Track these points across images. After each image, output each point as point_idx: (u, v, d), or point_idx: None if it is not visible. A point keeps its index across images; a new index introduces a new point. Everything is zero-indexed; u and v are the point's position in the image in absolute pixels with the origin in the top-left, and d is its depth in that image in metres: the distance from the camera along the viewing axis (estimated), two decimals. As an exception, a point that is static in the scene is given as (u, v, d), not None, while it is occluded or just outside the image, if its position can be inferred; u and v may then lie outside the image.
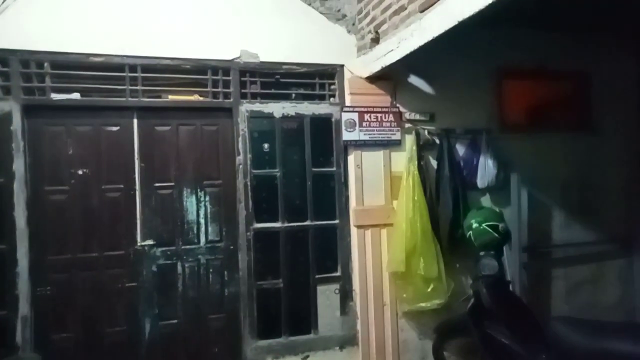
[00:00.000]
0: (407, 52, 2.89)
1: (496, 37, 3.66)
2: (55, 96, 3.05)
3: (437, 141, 3.71)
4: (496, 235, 3.07)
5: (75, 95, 3.09)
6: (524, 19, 3.49)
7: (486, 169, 3.72)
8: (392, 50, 3.06)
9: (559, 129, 4.01)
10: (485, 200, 3.83)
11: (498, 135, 3.80)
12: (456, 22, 2.35)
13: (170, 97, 3.31)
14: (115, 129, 3.23)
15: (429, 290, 3.47)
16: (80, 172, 3.15)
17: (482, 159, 3.73)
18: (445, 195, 3.59)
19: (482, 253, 3.10)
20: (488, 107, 3.84)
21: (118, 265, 3.21)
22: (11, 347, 2.90)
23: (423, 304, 3.47)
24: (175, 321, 3.32)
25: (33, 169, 3.04)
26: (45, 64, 3.03)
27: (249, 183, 3.41)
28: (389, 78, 3.58)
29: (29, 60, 2.99)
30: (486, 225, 3.09)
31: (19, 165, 2.96)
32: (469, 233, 3.18)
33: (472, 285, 3.28)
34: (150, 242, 3.26)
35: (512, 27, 3.60)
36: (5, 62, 2.95)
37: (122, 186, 3.23)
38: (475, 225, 3.13)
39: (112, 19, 3.12)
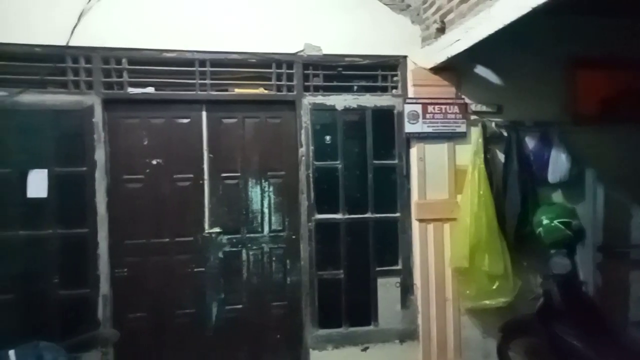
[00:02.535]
0: (475, 41, 2.81)
1: (566, 25, 3.46)
2: (132, 90, 3.24)
3: (505, 134, 3.57)
4: (569, 232, 2.94)
5: (150, 89, 3.27)
6: (595, 6, 3.26)
7: (558, 164, 3.54)
8: (458, 40, 2.99)
9: (637, 120, 3.71)
10: (557, 196, 3.65)
11: (571, 127, 3.58)
12: (529, 9, 2.25)
13: (237, 90, 3.41)
14: (185, 121, 3.38)
15: (494, 287, 3.36)
16: (154, 162, 3.33)
17: (553, 153, 3.55)
18: (513, 190, 3.46)
19: (552, 251, 2.98)
20: (560, 98, 3.65)
21: (187, 251, 3.37)
22: (93, 322, 3.14)
23: (487, 302, 3.37)
24: (240, 306, 3.44)
25: (112, 158, 3.25)
26: (123, 60, 3.22)
27: (310, 174, 3.46)
28: (453, 69, 3.49)
29: (109, 57, 3.20)
30: (558, 222, 2.97)
31: (100, 155, 3.18)
32: (539, 230, 3.05)
33: (541, 284, 3.15)
34: (217, 229, 3.39)
35: (582, 14, 3.39)
36: (89, 59, 3.17)
37: (191, 176, 3.38)
38: (546, 221, 3.00)
39: (183, 16, 3.26)
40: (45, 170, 3.12)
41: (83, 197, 3.17)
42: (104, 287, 3.19)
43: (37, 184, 3.10)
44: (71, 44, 3.10)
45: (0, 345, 2.67)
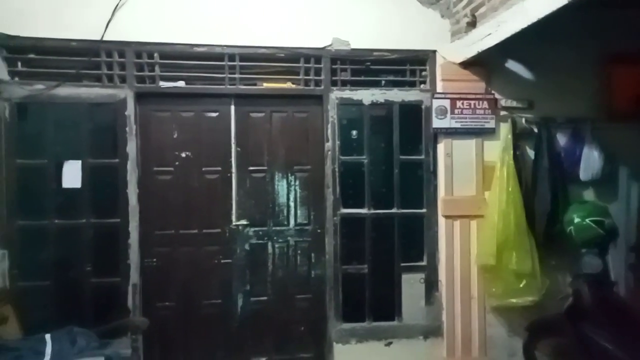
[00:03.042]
0: (506, 35, 2.77)
1: (600, 18, 3.36)
2: (164, 84, 3.30)
3: (536, 130, 3.51)
4: (601, 231, 2.87)
5: (181, 83, 3.33)
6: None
7: (590, 161, 3.46)
8: (489, 34, 2.94)
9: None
10: (588, 194, 3.58)
11: (604, 124, 3.49)
12: (564, 3, 2.20)
13: (265, 84, 3.44)
14: (214, 115, 3.43)
15: (521, 286, 3.32)
16: (183, 154, 3.39)
17: (586, 150, 3.47)
18: (543, 187, 3.40)
19: (583, 250, 2.92)
20: (593, 94, 3.56)
21: (214, 243, 3.43)
22: (124, 310, 3.22)
23: (514, 300, 3.33)
24: (265, 298, 3.49)
25: (143, 151, 3.33)
26: (155, 54, 3.29)
27: (336, 169, 3.47)
28: (483, 63, 3.44)
29: (142, 51, 3.26)
30: (590, 221, 2.90)
31: (131, 148, 3.26)
32: (569, 228, 3.00)
33: (571, 283, 3.10)
34: (244, 222, 3.44)
35: (617, 7, 3.28)
36: (122, 53, 3.24)
37: (219, 169, 3.43)
38: (577, 220, 2.94)
39: (213, 11, 3.30)
40: (79, 162, 3.21)
41: (115, 188, 3.25)
42: (134, 276, 3.27)
43: (72, 174, 3.20)
44: (105, 38, 3.17)
45: (36, 330, 2.78)
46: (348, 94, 3.48)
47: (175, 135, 3.38)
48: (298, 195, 3.53)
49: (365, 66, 3.52)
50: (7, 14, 3.07)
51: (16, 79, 3.15)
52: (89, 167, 3.23)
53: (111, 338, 3.02)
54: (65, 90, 3.17)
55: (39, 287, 3.17)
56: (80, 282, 3.22)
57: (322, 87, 3.45)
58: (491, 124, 3.50)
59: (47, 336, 2.66)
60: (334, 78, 3.48)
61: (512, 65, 3.55)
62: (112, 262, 3.25)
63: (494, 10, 2.89)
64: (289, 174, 3.52)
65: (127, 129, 3.24)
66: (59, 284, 3.21)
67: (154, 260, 3.37)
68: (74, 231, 3.23)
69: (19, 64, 3.17)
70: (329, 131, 3.46)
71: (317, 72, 3.46)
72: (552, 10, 2.34)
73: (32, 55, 3.18)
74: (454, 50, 3.45)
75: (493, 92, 3.51)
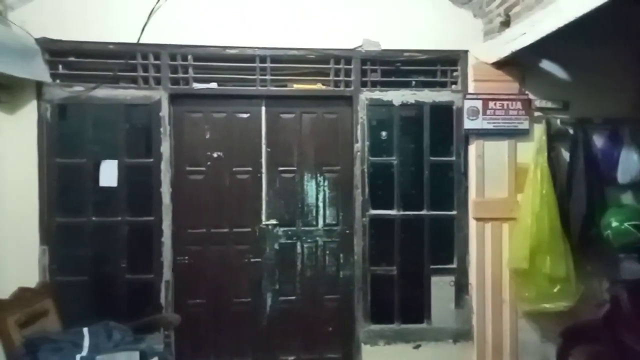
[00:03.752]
0: (542, 35, 2.71)
1: (638, 16, 3.24)
2: (197, 86, 3.37)
3: (571, 131, 3.42)
4: (640, 236, 2.77)
5: (213, 85, 3.39)
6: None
7: (629, 163, 3.36)
8: (524, 33, 2.88)
9: None
10: (626, 198, 3.46)
11: (643, 125, 3.38)
12: (601, 2, 2.14)
13: (295, 86, 3.47)
14: (245, 116, 3.48)
15: (554, 291, 3.24)
16: (215, 155, 3.45)
17: (624, 152, 3.37)
18: (579, 190, 3.31)
19: (621, 255, 2.83)
20: (632, 94, 3.44)
21: (245, 242, 3.47)
22: (157, 306, 3.31)
23: (547, 305, 3.26)
24: (294, 298, 3.51)
25: (176, 151, 3.40)
26: (189, 57, 3.36)
27: (365, 170, 3.47)
28: (517, 63, 3.37)
29: (176, 54, 3.34)
30: (629, 225, 2.82)
31: (165, 148, 3.34)
32: (607, 232, 2.91)
33: (608, 289, 3.01)
34: (273, 221, 3.48)
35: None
36: (157, 55, 3.33)
37: (250, 169, 3.48)
38: (615, 224, 2.86)
39: (245, 13, 3.34)
40: (116, 161, 3.31)
41: (149, 187, 3.33)
42: (167, 273, 3.35)
43: (108, 173, 3.30)
44: (141, 41, 3.25)
45: (74, 323, 2.88)
46: (378, 94, 3.47)
47: (207, 136, 3.44)
48: (327, 195, 3.55)
49: (396, 67, 3.51)
50: (49, 19, 3.19)
51: (57, 81, 3.26)
52: (124, 166, 3.32)
53: (145, 333, 3.09)
54: (103, 92, 3.28)
55: (76, 282, 3.28)
56: (116, 278, 3.32)
57: (352, 87, 3.46)
58: (525, 125, 3.43)
59: (85, 330, 2.75)
60: (364, 79, 3.48)
61: (547, 65, 3.47)
62: (146, 259, 3.33)
63: (529, 10, 2.83)
64: (318, 175, 3.54)
65: (161, 129, 3.32)
66: (96, 280, 3.31)
67: (186, 258, 3.44)
68: (110, 228, 3.33)
69: (60, 66, 3.29)
70: (359, 132, 3.46)
71: (347, 73, 3.47)
72: (588, 10, 2.27)
73: (72, 58, 3.30)
74: (486, 50, 3.40)
75: (527, 92, 3.44)
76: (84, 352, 2.58)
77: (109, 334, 2.80)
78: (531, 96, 3.45)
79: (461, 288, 3.51)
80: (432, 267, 3.53)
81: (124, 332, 2.88)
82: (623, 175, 3.36)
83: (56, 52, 3.26)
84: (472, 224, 3.48)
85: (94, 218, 3.31)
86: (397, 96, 3.48)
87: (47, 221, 3.23)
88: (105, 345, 2.70)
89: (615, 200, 3.41)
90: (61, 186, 3.27)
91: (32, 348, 2.44)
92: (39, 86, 3.22)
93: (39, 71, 3.12)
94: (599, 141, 3.45)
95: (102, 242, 3.33)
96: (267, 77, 3.41)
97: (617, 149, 3.39)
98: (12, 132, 3.17)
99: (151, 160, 3.33)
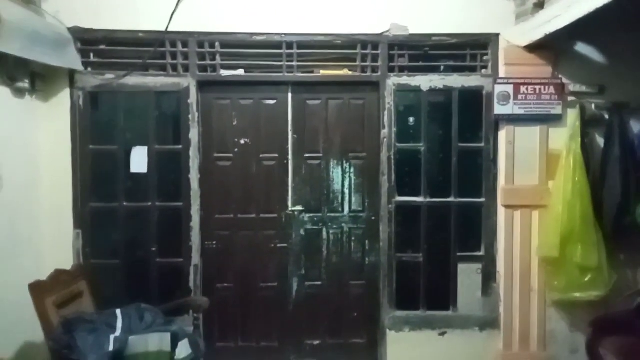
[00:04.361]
0: (579, 16, 2.60)
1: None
2: (224, 72, 3.39)
3: (606, 117, 3.32)
4: (679, 225, 2.67)
5: (240, 72, 3.40)
6: None
7: (667, 150, 3.23)
8: (559, 15, 2.79)
9: None
10: (664, 186, 3.33)
11: (684, 109, 3.25)
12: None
13: (322, 72, 3.45)
14: (272, 102, 3.49)
15: (586, 280, 3.19)
16: (242, 141, 3.48)
17: (663, 138, 3.24)
18: (613, 177, 3.21)
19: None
20: (671, 77, 3.30)
21: (271, 227, 3.51)
22: (186, 289, 3.39)
23: (577, 295, 3.20)
24: (319, 283, 3.54)
25: (204, 137, 3.45)
26: (217, 44, 3.37)
27: (392, 156, 3.44)
28: (550, 47, 3.27)
29: (204, 41, 3.36)
30: (667, 213, 2.70)
31: (194, 134, 3.38)
32: (643, 220, 2.82)
33: (643, 279, 2.92)
34: (299, 207, 3.50)
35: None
36: (185, 43, 3.35)
37: (276, 155, 3.50)
38: (651, 212, 2.76)
39: (272, -1, 3.34)
40: (146, 148, 3.37)
41: (179, 173, 3.39)
42: (195, 257, 3.42)
43: (139, 160, 3.36)
44: (170, 29, 3.28)
45: (107, 305, 2.98)
46: (406, 80, 3.42)
47: (234, 123, 3.47)
48: (353, 182, 3.54)
49: (424, 51, 3.44)
50: (81, 8, 3.24)
51: (89, 69, 3.33)
52: (154, 153, 3.38)
53: (174, 315, 3.17)
54: (133, 80, 3.33)
55: (109, 265, 3.39)
56: (146, 262, 3.41)
57: (379, 73, 3.42)
58: (557, 110, 3.34)
59: (118, 311, 2.83)
60: (391, 64, 3.43)
61: (582, 48, 3.36)
62: (176, 244, 3.40)
63: (565, -10, 2.73)
64: (344, 161, 3.53)
65: (189, 116, 3.36)
66: (127, 263, 3.41)
67: (214, 242, 3.50)
68: (140, 214, 3.41)
69: (92, 55, 3.35)
70: (386, 118, 3.43)
71: (374, 58, 3.42)
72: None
73: (103, 47, 3.35)
74: (518, 33, 3.30)
75: (560, 76, 3.34)
76: (118, 333, 2.66)
77: (141, 316, 2.87)
78: (565, 80, 3.34)
79: (488, 276, 3.48)
80: (459, 254, 3.49)
81: (156, 314, 2.95)
82: (660, 162, 3.24)
83: (88, 40, 3.32)
84: (501, 212, 3.43)
85: (125, 203, 3.39)
86: (425, 81, 3.42)
87: (80, 206, 3.33)
88: (137, 326, 2.78)
89: (652, 189, 3.29)
90: (94, 172, 3.36)
91: (69, 328, 2.53)
92: (71, 74, 3.29)
93: (72, 60, 3.19)
94: (636, 127, 3.32)
95: (133, 226, 3.42)
96: (294, 63, 3.40)
97: (656, 135, 3.26)
98: (46, 119, 3.26)
99: (180, 146, 3.38)
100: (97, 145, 3.36)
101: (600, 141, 3.35)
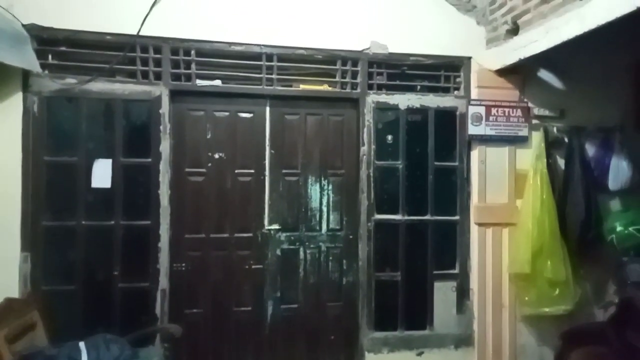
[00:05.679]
0: (557, 42, 2.76)
1: (630, 27, 3.40)
2: (200, 82, 3.20)
3: (566, 139, 3.54)
4: (644, 239, 2.87)
5: (217, 82, 3.23)
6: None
7: (619, 170, 3.50)
8: (536, 40, 2.95)
9: None
10: (615, 204, 3.60)
11: (634, 134, 3.54)
12: (634, 8, 2.21)
13: (302, 86, 3.37)
14: (249, 115, 3.35)
15: (555, 294, 3.31)
16: (216, 155, 3.28)
17: (614, 160, 3.51)
18: (576, 196, 3.41)
19: (625, 259, 2.92)
20: (623, 103, 3.61)
21: (246, 247, 3.32)
22: (152, 317, 3.08)
23: (547, 309, 3.33)
24: (296, 305, 3.39)
25: (176, 151, 3.21)
26: (192, 52, 3.18)
27: (371, 174, 3.41)
28: (518, 72, 3.45)
29: (178, 48, 3.16)
30: (633, 229, 2.91)
31: (165, 147, 3.13)
32: (611, 236, 3.01)
33: (616, 291, 3.09)
34: (276, 226, 3.35)
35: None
36: (158, 49, 3.13)
37: (253, 171, 3.34)
38: (619, 228, 2.96)
39: (251, 9, 3.22)
40: (110, 160, 3.07)
41: (147, 189, 3.12)
42: (163, 281, 3.13)
43: (102, 173, 3.05)
44: (141, 33, 3.05)
45: (63, 337, 2.63)
46: (385, 98, 3.44)
47: (209, 136, 3.28)
48: (331, 199, 3.46)
49: (402, 70, 3.50)
50: (39, 4, 2.94)
51: (46, 72, 2.99)
52: (120, 166, 3.09)
53: (140, 346, 2.87)
54: (98, 86, 3.04)
55: (63, 292, 3.00)
56: (107, 287, 3.07)
57: (359, 90, 3.41)
58: (524, 132, 3.51)
59: (82, 344, 2.51)
60: (370, 82, 3.44)
61: (544, 74, 3.58)
62: (141, 266, 3.10)
63: (543, 18, 2.90)
64: (322, 178, 3.45)
65: (161, 127, 3.12)
66: (85, 289, 3.04)
67: (183, 265, 3.24)
68: (102, 233, 3.07)
69: (50, 56, 3.02)
70: (365, 135, 3.40)
71: (354, 75, 3.41)
72: (613, 18, 2.35)
73: (64, 48, 3.03)
74: (490, 57, 3.46)
75: (526, 100, 3.53)
76: (84, 368, 2.34)
77: (107, 348, 2.57)
78: (530, 104, 3.53)
79: (463, 293, 3.52)
80: (435, 272, 3.51)
81: (122, 345, 2.67)
82: (614, 182, 3.49)
83: (46, 40, 2.99)
84: (474, 229, 3.50)
85: (84, 222, 3.04)
86: (403, 100, 3.46)
87: (31, 225, 2.94)
88: (106, 359, 2.47)
89: (605, 207, 3.53)
90: (48, 187, 2.99)
91: (28, 366, 2.19)
92: (25, 77, 2.94)
93: (28, 60, 2.85)
94: (591, 149, 3.57)
95: (93, 247, 3.07)
96: (273, 76, 3.30)
97: (608, 157, 3.52)
98: (-7, 126, 2.87)
99: (149, 160, 3.12)
100: (53, 156, 3.01)
101: (561, 162, 3.56)
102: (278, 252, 3.37)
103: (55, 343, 2.62)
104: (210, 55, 3.22)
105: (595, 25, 2.46)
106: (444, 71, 3.57)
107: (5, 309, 2.43)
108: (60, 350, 2.45)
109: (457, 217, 3.53)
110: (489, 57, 3.47)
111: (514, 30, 3.20)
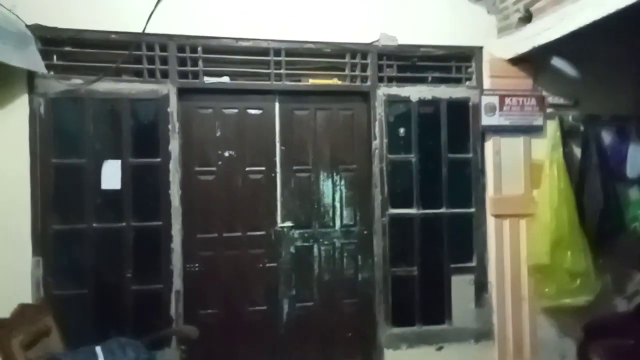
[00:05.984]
0: (573, 29, 2.71)
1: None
2: (208, 80, 3.14)
3: (582, 128, 3.47)
4: (669, 227, 2.81)
5: (225, 79, 3.17)
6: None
7: (636, 159, 3.44)
8: (549, 28, 2.88)
9: None
10: (635, 193, 3.53)
11: (650, 121, 3.48)
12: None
13: (311, 81, 3.31)
14: (258, 112, 3.29)
15: (575, 285, 3.25)
16: (226, 154, 3.23)
17: (631, 148, 3.47)
18: (594, 185, 3.36)
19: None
20: (637, 91, 3.53)
21: (259, 246, 3.26)
22: (166, 319, 3.03)
23: (568, 300, 3.26)
24: (311, 304, 3.33)
25: (185, 149, 3.15)
26: (199, 48, 3.12)
27: (384, 168, 3.35)
28: (530, 60, 3.38)
29: (185, 45, 3.10)
30: (657, 217, 2.83)
31: (174, 146, 3.08)
32: (634, 225, 2.94)
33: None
34: (289, 223, 3.29)
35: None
36: (164, 47, 3.07)
37: (264, 168, 3.28)
38: (643, 216, 2.88)
39: (259, 4, 3.16)
40: (119, 161, 3.02)
41: (157, 189, 3.06)
42: (177, 282, 3.08)
43: (111, 175, 3.00)
44: (147, 31, 3.00)
45: (77, 341, 2.58)
46: (395, 90, 3.38)
47: (218, 134, 3.22)
48: (344, 195, 3.40)
49: (412, 62, 3.43)
50: (42, 3, 2.88)
51: (51, 72, 2.94)
52: (129, 166, 3.03)
53: (155, 349, 2.83)
54: (104, 85, 2.98)
55: (75, 296, 2.95)
56: (120, 290, 3.01)
57: (369, 83, 3.34)
58: (539, 121, 3.45)
59: (98, 348, 2.46)
60: (380, 74, 3.37)
61: (558, 62, 3.50)
62: (154, 268, 3.05)
63: (557, 4, 2.83)
64: (334, 173, 3.39)
65: (169, 126, 3.06)
66: (97, 293, 2.99)
67: (196, 265, 3.18)
68: (113, 235, 3.02)
69: (55, 56, 2.97)
70: (376, 129, 3.34)
71: (364, 67, 3.35)
72: (632, 1, 2.28)
73: (68, 48, 2.98)
74: (502, 46, 3.39)
75: (540, 89, 3.46)
76: (102, 373, 2.29)
77: (123, 352, 2.52)
78: (544, 93, 3.46)
79: (481, 287, 3.46)
80: (452, 266, 3.45)
81: (138, 348, 2.61)
82: (631, 170, 3.45)
83: (51, 40, 2.93)
84: (491, 221, 3.44)
85: (95, 224, 2.99)
86: (414, 92, 3.40)
87: (41, 229, 2.89)
88: (122, 364, 2.42)
89: (625, 196, 3.47)
90: (57, 190, 2.93)
91: (45, 372, 2.14)
92: (30, 78, 2.88)
93: (34, 61, 2.79)
94: (607, 138, 3.52)
95: (105, 250, 3.01)
96: (282, 71, 3.23)
97: (625, 145, 3.49)
98: (-1, 129, 2.82)
99: (158, 159, 3.06)
100: (61, 158, 2.95)
101: (577, 151, 3.49)
102: (292, 249, 3.31)
103: (70, 348, 2.58)
104: (217, 51, 3.16)
105: (614, 9, 2.39)
106: (455, 62, 3.50)
107: (19, 316, 2.38)
108: (76, 355, 2.40)
109: (472, 210, 3.47)
110: (500, 46, 3.40)
111: (527, 18, 3.14)
